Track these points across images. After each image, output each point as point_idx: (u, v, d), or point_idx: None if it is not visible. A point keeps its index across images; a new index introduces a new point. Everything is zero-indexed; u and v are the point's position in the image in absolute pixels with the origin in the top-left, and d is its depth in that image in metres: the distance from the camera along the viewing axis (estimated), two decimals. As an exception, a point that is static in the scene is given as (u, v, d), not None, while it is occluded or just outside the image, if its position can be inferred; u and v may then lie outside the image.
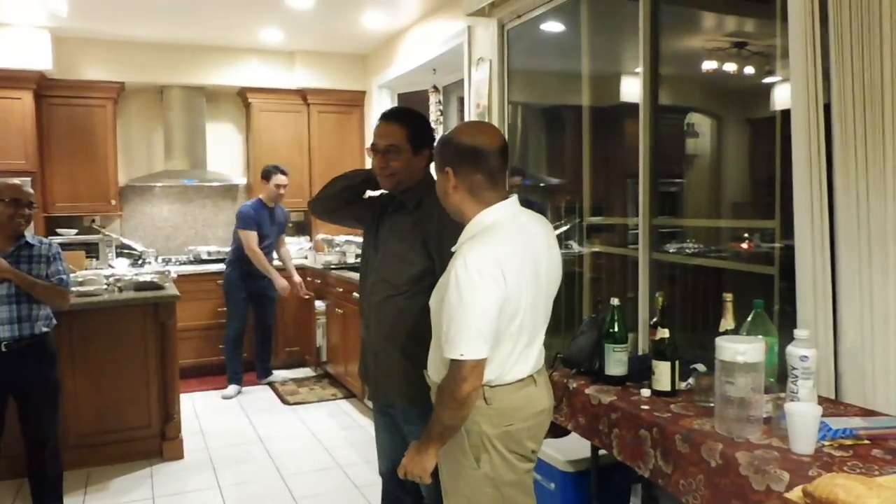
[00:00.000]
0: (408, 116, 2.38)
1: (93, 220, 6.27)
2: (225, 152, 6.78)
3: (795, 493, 1.32)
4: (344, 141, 6.75)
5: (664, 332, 2.27)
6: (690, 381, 2.28)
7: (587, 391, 2.39)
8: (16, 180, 3.16)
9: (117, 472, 3.97)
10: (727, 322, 2.21)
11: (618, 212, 3.96)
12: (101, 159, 6.00)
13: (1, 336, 2.99)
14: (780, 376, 2.12)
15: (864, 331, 2.11)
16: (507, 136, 4.42)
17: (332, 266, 5.81)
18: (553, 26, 4.30)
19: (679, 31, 3.58)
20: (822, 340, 2.19)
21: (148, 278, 4.45)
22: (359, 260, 5.88)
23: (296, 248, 6.60)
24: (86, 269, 5.32)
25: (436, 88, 5.96)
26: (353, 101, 6.78)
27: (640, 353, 3.07)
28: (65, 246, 3.43)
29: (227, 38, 6.04)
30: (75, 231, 6.02)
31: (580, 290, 4.04)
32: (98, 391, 4.02)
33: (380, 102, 6.47)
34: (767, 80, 3.19)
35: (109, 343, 4.04)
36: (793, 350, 1.94)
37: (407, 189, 2.34)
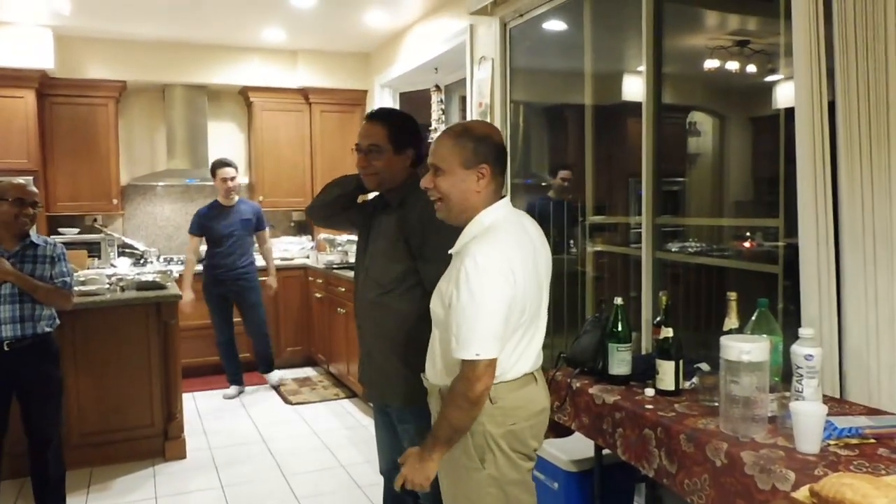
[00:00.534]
0: (389, 116, 2.42)
1: (95, 220, 6.27)
2: (227, 151, 6.73)
3: (802, 493, 1.32)
4: (346, 140, 6.74)
5: (668, 332, 2.26)
6: (694, 380, 2.28)
7: (591, 391, 2.38)
8: (20, 180, 3.16)
9: (120, 472, 3.97)
10: (731, 321, 2.21)
11: (620, 211, 3.95)
12: (103, 158, 6.00)
13: (4, 335, 2.99)
14: (784, 375, 2.11)
15: (869, 329, 2.10)
16: (509, 136, 4.45)
17: (335, 265, 5.80)
18: (555, 25, 4.29)
19: (681, 29, 3.57)
20: (826, 339, 2.18)
21: (150, 278, 4.45)
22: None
23: (298, 248, 6.61)
24: (88, 268, 5.33)
25: (438, 87, 5.95)
26: (356, 101, 6.77)
27: (643, 352, 3.08)
28: (67, 245, 3.42)
29: (230, 37, 6.04)
30: (77, 230, 6.03)
31: (583, 290, 4.03)
32: (101, 390, 4.03)
33: (382, 101, 6.47)
34: (770, 78, 3.18)
35: (112, 342, 4.04)
36: (797, 349, 1.94)
37: (391, 188, 2.38)
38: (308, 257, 6.49)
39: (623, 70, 3.91)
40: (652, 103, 3.28)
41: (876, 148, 2.06)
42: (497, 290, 1.76)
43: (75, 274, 4.05)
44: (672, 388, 2.25)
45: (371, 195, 2.55)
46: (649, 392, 2.28)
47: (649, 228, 3.30)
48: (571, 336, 2.78)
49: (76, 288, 3.94)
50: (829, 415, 1.74)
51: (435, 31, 5.27)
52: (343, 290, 5.32)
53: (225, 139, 6.77)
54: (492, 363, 1.78)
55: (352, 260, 5.92)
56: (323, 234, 6.33)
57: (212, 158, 6.46)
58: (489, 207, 1.91)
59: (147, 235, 6.54)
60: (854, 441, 1.76)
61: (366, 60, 6.74)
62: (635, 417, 2.15)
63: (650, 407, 2.15)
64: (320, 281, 5.96)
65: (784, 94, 2.87)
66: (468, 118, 4.90)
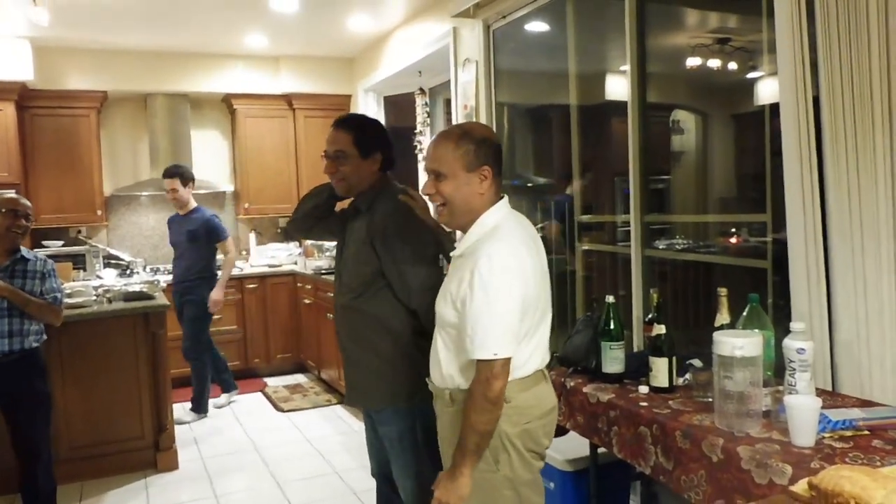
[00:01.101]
0: (355, 122, 2.46)
1: (79, 231, 6.21)
2: (211, 159, 6.74)
3: (801, 486, 1.32)
4: (331, 145, 6.71)
5: (660, 329, 2.27)
6: (688, 376, 2.29)
7: (585, 389, 2.39)
8: (11, 193, 3.15)
9: (112, 485, 3.93)
10: (723, 317, 2.22)
11: (607, 210, 3.97)
12: (85, 169, 5.94)
13: (-9, 350, 2.96)
14: (777, 370, 2.13)
15: (859, 321, 2.12)
16: (495, 137, 4.45)
17: (323, 271, 5.78)
18: (538, 26, 4.30)
19: (663, 28, 3.60)
20: (817, 333, 2.20)
21: (137, 288, 4.42)
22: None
23: (286, 254, 6.58)
24: (73, 280, 5.27)
25: (422, 91, 5.95)
26: (340, 106, 6.74)
27: (635, 349, 3.09)
28: (51, 257, 3.39)
29: (211, 45, 6.00)
30: (62, 242, 5.96)
31: (573, 289, 4.04)
32: (90, 403, 3.98)
33: (366, 106, 6.46)
34: (751, 75, 3.21)
35: (100, 354, 4.00)
36: (789, 343, 1.95)
37: (360, 193, 2.42)
38: (296, 263, 6.47)
39: (607, 70, 3.92)
40: (637, 102, 3.30)
41: (861, 141, 2.08)
42: (512, 288, 1.78)
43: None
44: (666, 384, 2.26)
45: (347, 202, 2.56)
46: (643, 390, 2.29)
47: (638, 226, 3.31)
48: (563, 335, 2.79)
49: (63, 300, 3.91)
50: (822, 408, 1.75)
51: (418, 35, 5.27)
52: (331, 295, 5.27)
53: (209, 147, 6.73)
54: (507, 362, 1.78)
55: (339, 265, 5.92)
56: (310, 241, 6.30)
57: (196, 167, 6.43)
58: (492, 208, 1.92)
59: (132, 246, 6.49)
60: (848, 433, 1.78)
61: (349, 65, 6.73)
62: (630, 415, 2.15)
63: (645, 404, 2.16)
64: (309, 287, 5.94)
65: (767, 91, 2.89)
66: (454, 121, 4.90)
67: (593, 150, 4.04)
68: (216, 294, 5.12)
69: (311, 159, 6.63)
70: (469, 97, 4.60)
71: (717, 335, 1.92)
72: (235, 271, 6.22)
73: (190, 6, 4.91)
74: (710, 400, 2.03)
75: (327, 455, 4.31)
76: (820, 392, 2.09)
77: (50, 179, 5.81)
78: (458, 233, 2.10)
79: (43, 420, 3.16)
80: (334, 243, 5.80)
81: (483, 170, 1.88)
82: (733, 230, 3.22)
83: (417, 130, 5.97)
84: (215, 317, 5.38)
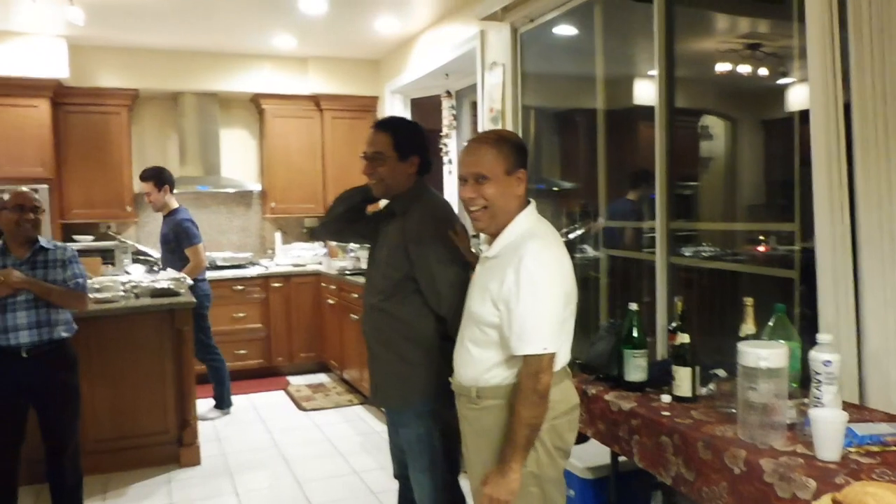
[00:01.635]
0: (394, 125, 2.47)
1: (108, 227, 6.30)
2: (239, 158, 6.81)
3: (824, 502, 1.30)
4: (357, 146, 6.69)
5: (684, 337, 2.25)
6: (711, 386, 2.26)
7: (606, 397, 2.37)
8: (24, 188, 3.17)
9: (135, 478, 3.99)
10: (748, 327, 2.19)
11: (632, 215, 3.93)
12: (116, 166, 6.04)
13: (21, 341, 3.00)
14: (802, 381, 2.09)
15: (888, 333, 2.08)
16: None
17: (347, 272, 5.81)
18: (566, 30, 4.28)
19: (692, 33, 3.57)
20: (845, 344, 2.16)
21: (164, 285, 4.47)
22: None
23: (310, 254, 6.62)
24: (102, 275, 5.35)
25: (448, 93, 5.96)
26: (366, 107, 6.79)
27: (658, 358, 3.06)
28: (81, 252, 3.44)
29: (241, 45, 6.07)
30: (91, 237, 6.06)
31: (596, 295, 4.01)
32: (115, 397, 4.04)
33: (392, 108, 6.48)
34: (782, 81, 3.17)
35: (126, 349, 4.06)
36: (816, 355, 1.92)
37: (397, 196, 2.43)
38: (321, 263, 6.51)
39: (634, 74, 3.89)
40: (664, 107, 3.27)
41: (893, 149, 2.04)
42: (556, 286, 1.86)
43: (90, 281, 4.07)
44: (689, 394, 2.23)
45: (381, 204, 2.58)
46: (665, 398, 2.27)
47: (663, 233, 3.28)
48: (585, 342, 2.77)
49: (91, 295, 3.97)
50: (849, 422, 1.72)
51: (445, 37, 5.27)
52: (356, 296, 5.32)
53: (237, 146, 6.80)
54: (553, 357, 1.84)
55: (364, 266, 5.95)
56: (335, 241, 6.34)
57: (224, 166, 6.52)
58: (524, 211, 1.97)
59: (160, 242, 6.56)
60: (875, 448, 1.75)
61: (376, 67, 6.76)
62: (652, 424, 2.13)
63: (667, 414, 2.14)
64: (333, 287, 5.97)
65: (797, 97, 2.85)
66: (479, 124, 4.90)
67: (619, 154, 4.01)
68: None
69: (337, 159, 6.68)
70: (495, 100, 4.59)
71: (741, 345, 1.90)
72: (260, 269, 6.29)
73: (220, 7, 4.97)
74: (734, 411, 2.01)
75: (347, 455, 4.33)
76: (846, 405, 2.05)
77: (81, 175, 5.91)
78: (481, 236, 2.12)
79: (71, 413, 3.19)
80: (358, 244, 5.87)
81: (520, 172, 1.95)
82: (761, 238, 3.18)
83: (443, 133, 5.98)
84: (238, 314, 5.39)
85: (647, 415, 2.16)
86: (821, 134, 2.23)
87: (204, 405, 5.03)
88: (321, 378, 6.29)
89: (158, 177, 5.04)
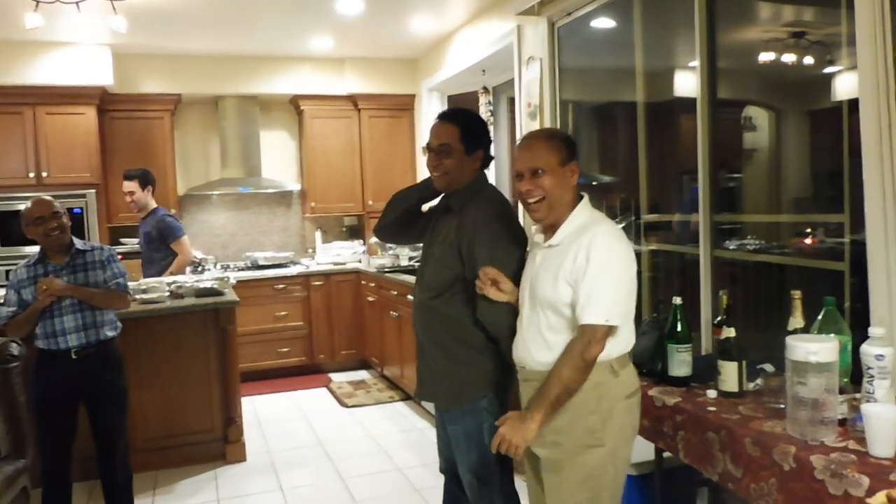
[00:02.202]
0: (462, 117, 2.41)
1: (154, 230, 6.42)
2: (279, 159, 6.90)
3: (878, 499, 1.27)
4: (395, 145, 6.79)
5: (730, 332, 2.21)
6: (758, 381, 2.22)
7: (650, 393, 2.34)
8: (47, 196, 3.16)
9: (183, 475, 4.07)
10: (796, 320, 2.14)
11: (674, 209, 3.88)
12: (160, 170, 6.12)
13: (70, 344, 3.08)
14: (853, 376, 2.04)
15: (944, 328, 2.01)
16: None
17: (386, 269, 5.85)
18: (604, 22, 4.24)
19: (734, 22, 3.49)
20: (898, 338, 2.10)
21: (208, 285, 4.55)
22: (412, 263, 5.93)
23: (350, 252, 6.67)
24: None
25: (486, 89, 5.95)
26: (404, 105, 6.81)
27: (702, 353, 3.01)
28: (128, 255, 3.51)
29: (279, 48, 6.14)
30: (137, 240, 6.18)
31: (639, 289, 3.96)
32: (162, 396, 4.13)
33: (430, 105, 6.49)
34: (828, 70, 3.08)
35: (172, 349, 4.15)
36: (867, 349, 1.87)
37: (456, 191, 2.38)
38: (360, 261, 6.56)
39: (675, 66, 3.83)
40: (706, 99, 3.21)
41: (947, 138, 1.98)
42: (624, 265, 1.94)
43: (136, 283, 4.16)
44: (735, 389, 2.19)
45: (434, 202, 2.57)
46: (711, 394, 2.23)
47: (707, 226, 3.22)
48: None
49: (137, 296, 4.06)
50: (903, 417, 1.68)
51: (481, 34, 5.26)
52: (395, 293, 5.35)
53: (277, 147, 6.89)
54: (610, 332, 1.90)
55: (403, 263, 5.99)
56: (374, 239, 6.37)
57: (265, 167, 6.60)
58: (582, 202, 2.05)
59: (203, 244, 6.68)
60: (931, 444, 1.69)
61: (413, 65, 6.78)
62: (697, 420, 2.10)
63: (713, 409, 2.11)
64: (373, 284, 6.01)
65: (844, 86, 2.78)
66: (517, 119, 4.88)
67: (660, 147, 3.96)
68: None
69: (375, 158, 6.72)
70: (533, 95, 4.57)
71: (790, 339, 1.86)
72: (301, 268, 6.37)
73: (258, 11, 5.03)
74: (782, 406, 1.97)
75: (390, 451, 4.36)
76: (900, 401, 2.00)
77: (127, 180, 6.04)
78: (534, 226, 2.12)
79: (120, 413, 3.27)
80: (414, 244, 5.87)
81: (572, 165, 2.03)
82: (808, 230, 3.11)
83: (481, 129, 5.96)
84: (280, 313, 5.42)
85: (693, 410, 2.13)
86: (871, 123, 2.17)
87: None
88: (362, 375, 6.34)
89: (144, 177, 5.06)
